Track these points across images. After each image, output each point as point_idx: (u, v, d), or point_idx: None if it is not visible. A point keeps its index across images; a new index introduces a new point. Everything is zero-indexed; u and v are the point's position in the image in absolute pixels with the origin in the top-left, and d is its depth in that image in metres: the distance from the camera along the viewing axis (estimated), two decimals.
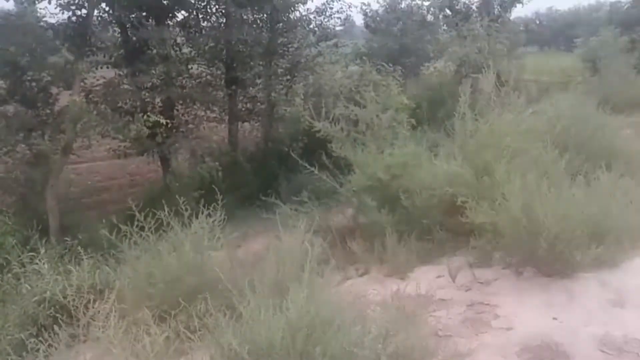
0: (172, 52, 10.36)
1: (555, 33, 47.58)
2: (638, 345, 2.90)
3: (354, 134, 6.18)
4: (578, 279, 3.73)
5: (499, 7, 18.84)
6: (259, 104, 12.99)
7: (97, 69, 10.00)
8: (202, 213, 4.46)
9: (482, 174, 4.96)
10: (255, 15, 12.36)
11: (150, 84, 10.02)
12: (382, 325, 2.66)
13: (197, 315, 3.11)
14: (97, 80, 10.18)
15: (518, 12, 23.88)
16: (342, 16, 14.30)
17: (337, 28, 15.37)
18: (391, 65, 13.15)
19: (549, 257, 3.73)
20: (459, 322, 3.48)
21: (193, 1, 11.34)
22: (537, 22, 48.25)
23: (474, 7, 18.60)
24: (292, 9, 12.61)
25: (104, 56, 10.03)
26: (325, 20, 13.80)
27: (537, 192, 3.98)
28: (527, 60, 22.18)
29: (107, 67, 10.30)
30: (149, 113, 9.38)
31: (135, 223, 4.29)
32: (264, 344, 2.30)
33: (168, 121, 9.42)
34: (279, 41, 12.90)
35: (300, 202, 6.60)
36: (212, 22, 11.99)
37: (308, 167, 6.85)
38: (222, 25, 12.03)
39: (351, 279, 4.98)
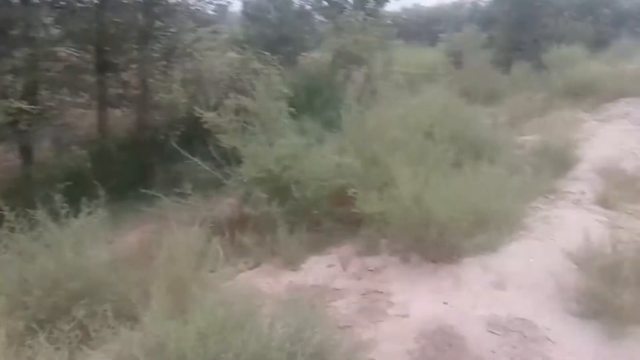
0: (39, 33, 9.45)
1: (420, 28, 50.12)
2: (521, 324, 3.16)
3: (244, 124, 6.06)
4: (462, 264, 3.97)
5: (373, 0, 19.43)
6: (131, 89, 12.28)
7: None
8: (78, 208, 4.12)
9: (370, 165, 5.12)
10: None
11: (11, 66, 9.07)
12: (289, 322, 2.64)
13: (94, 329, 2.82)
14: None
15: (387, 7, 24.78)
16: (222, 2, 13.95)
17: (211, 13, 15.00)
18: (269, 53, 13.08)
19: (435, 244, 3.93)
20: (357, 312, 3.56)
21: None
22: (404, 17, 50.69)
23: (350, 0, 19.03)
24: None
25: None
26: (204, 5, 13.37)
27: (427, 182, 4.18)
28: (396, 53, 23.12)
29: None
30: (10, 99, 8.50)
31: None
32: (173, 356, 2.18)
33: (32, 107, 8.61)
34: (155, 25, 12.26)
35: (181, 194, 6.41)
36: (84, 2, 11.07)
37: (190, 157, 6.65)
38: (95, 6, 11.19)
39: (243, 272, 4.91)
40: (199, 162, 6.49)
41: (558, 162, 6.14)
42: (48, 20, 9.96)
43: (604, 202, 5.31)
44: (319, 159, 5.33)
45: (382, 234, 4.67)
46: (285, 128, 6.87)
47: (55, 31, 10.33)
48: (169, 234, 3.97)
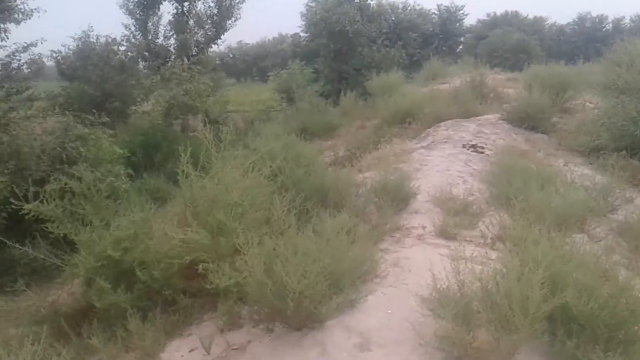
0: None
1: (249, 65, 51.29)
2: None
3: (72, 208, 5.54)
4: (325, 328, 3.92)
5: (195, 47, 19.37)
6: None
7: None
8: None
9: (217, 234, 4.93)
10: None
11: None
12: None
13: None
14: None
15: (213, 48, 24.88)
16: (33, 68, 12.96)
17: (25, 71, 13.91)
18: (95, 111, 12.39)
19: (296, 313, 3.85)
20: None
21: None
22: (231, 55, 51.43)
23: (171, 49, 18.78)
24: None
25: None
26: (14, 72, 12.30)
27: (276, 251, 4.10)
28: (229, 93, 23.24)
29: None
30: None
31: None
32: None
33: None
34: None
35: (14, 288, 5.81)
36: None
37: (17, 246, 6.04)
38: None
39: None
40: (29, 251, 5.88)
41: (397, 197, 6.43)
42: None
43: (444, 233, 5.64)
44: (162, 237, 5.01)
45: (242, 304, 4.52)
46: (124, 200, 6.48)
47: None
48: None
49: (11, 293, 6.05)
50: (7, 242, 6.18)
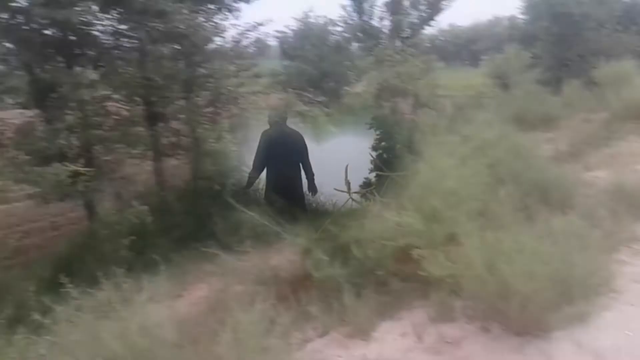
0: (86, 93, 9.68)
1: (459, 48, 50.02)
2: None
3: None
4: (551, 339, 3.65)
5: (409, 29, 19.37)
6: (183, 137, 12.39)
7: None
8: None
9: (430, 221, 4.87)
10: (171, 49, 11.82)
11: (66, 126, 9.31)
12: None
13: None
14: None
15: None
16: (259, 46, 14.08)
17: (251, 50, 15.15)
18: (312, 89, 13.13)
19: (519, 317, 3.65)
20: None
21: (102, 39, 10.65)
22: (442, 38, 50.60)
23: (384, 30, 19.03)
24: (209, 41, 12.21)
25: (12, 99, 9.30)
26: (243, 50, 13.51)
27: (498, 247, 3.91)
28: (438, 77, 22.82)
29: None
30: (66, 163, 8.68)
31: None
32: None
33: (86, 169, 8.77)
34: (197, 73, 12.43)
35: (241, 250, 6.40)
36: (125, 58, 11.29)
37: (243, 210, 6.61)
38: (137, 60, 11.40)
39: (311, 341, 4.71)
40: (254, 215, 6.41)
41: (636, 203, 5.73)
42: (93, 76, 10.22)
43: None
44: (376, 217, 5.11)
45: (456, 296, 4.42)
46: None
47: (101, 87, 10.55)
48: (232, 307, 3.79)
49: (236, 253, 6.70)
50: (237, 205, 6.77)
